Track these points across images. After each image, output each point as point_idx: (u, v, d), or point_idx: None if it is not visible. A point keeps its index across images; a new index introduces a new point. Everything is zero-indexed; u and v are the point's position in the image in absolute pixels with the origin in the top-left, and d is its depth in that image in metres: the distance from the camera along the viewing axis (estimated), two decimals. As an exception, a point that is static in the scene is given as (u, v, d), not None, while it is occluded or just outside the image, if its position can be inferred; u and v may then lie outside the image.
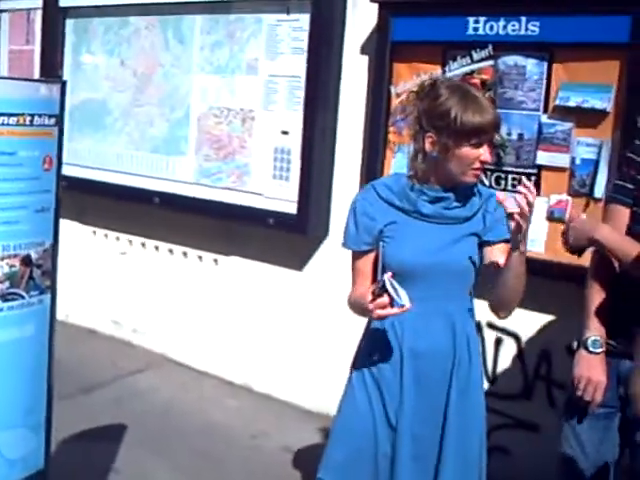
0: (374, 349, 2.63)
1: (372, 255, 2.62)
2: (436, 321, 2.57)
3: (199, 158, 5.06)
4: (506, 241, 2.49)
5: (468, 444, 2.60)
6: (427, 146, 2.50)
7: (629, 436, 2.72)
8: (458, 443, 2.56)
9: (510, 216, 2.30)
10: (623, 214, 2.67)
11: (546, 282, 3.69)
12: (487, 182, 3.91)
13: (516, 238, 2.35)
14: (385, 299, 2.36)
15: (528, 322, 3.91)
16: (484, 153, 2.47)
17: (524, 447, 3.97)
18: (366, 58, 4.41)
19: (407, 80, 4.13)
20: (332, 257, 4.54)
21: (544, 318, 3.85)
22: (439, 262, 2.53)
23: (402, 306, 2.35)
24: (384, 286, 2.36)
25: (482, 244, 2.59)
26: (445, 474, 2.55)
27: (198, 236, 5.26)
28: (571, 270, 3.51)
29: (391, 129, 4.22)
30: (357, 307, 2.61)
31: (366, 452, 2.60)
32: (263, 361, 5.01)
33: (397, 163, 4.20)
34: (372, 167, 4.30)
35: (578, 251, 2.79)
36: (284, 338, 4.90)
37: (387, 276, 2.37)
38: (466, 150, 2.46)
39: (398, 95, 4.18)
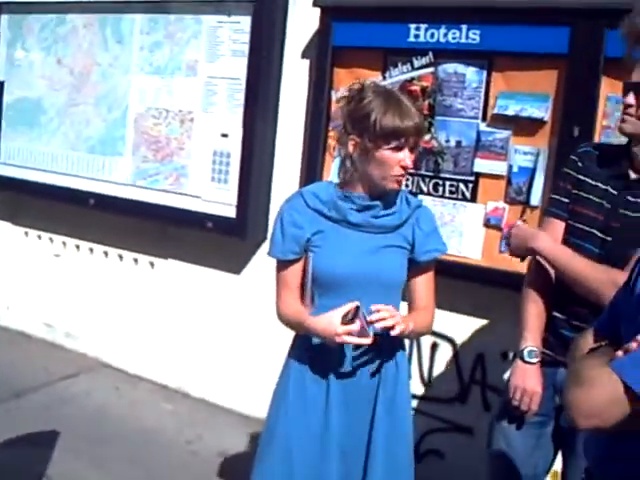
0: (300, 362, 2.62)
1: (298, 265, 2.60)
2: None
3: (136, 159, 5.00)
4: (431, 261, 2.60)
5: (397, 455, 2.59)
6: (350, 149, 2.50)
7: (563, 444, 2.76)
8: (387, 455, 2.55)
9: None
10: (559, 227, 2.71)
11: (482, 288, 3.75)
12: (425, 188, 3.95)
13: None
14: (356, 326, 2.36)
15: (463, 327, 3.96)
16: (405, 158, 2.46)
17: (459, 450, 4.01)
18: (307, 62, 4.41)
19: (348, 85, 4.13)
20: (270, 261, 4.51)
21: (479, 323, 3.90)
22: (368, 271, 2.52)
23: (370, 336, 2.36)
24: (356, 313, 2.37)
25: (411, 262, 2.60)
26: None
27: (134, 239, 5.19)
28: (506, 276, 3.57)
29: (331, 133, 4.23)
30: (293, 323, 2.61)
31: (280, 469, 2.57)
32: (198, 365, 4.97)
33: (337, 167, 4.21)
34: (312, 171, 4.31)
35: (520, 256, 2.82)
36: (220, 342, 4.87)
37: (357, 304, 2.38)
38: (386, 154, 2.45)
39: (338, 101, 4.17)
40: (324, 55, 4.19)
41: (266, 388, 4.46)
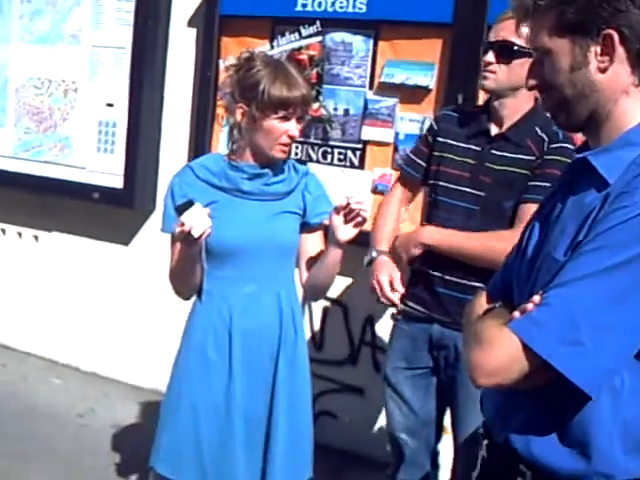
0: (201, 330, 2.62)
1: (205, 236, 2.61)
2: (263, 299, 2.59)
3: (18, 131, 4.86)
4: (325, 226, 2.59)
5: (299, 419, 2.64)
6: (238, 117, 2.53)
7: (446, 399, 2.90)
8: (290, 420, 2.60)
9: (348, 214, 2.40)
10: (410, 183, 2.94)
11: (364, 251, 3.85)
12: (314, 156, 4.02)
13: (339, 237, 2.45)
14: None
15: (353, 290, 4.05)
16: (291, 128, 2.50)
17: (350, 411, 4.12)
18: (194, 31, 4.39)
19: (236, 54, 4.13)
20: (159, 231, 4.50)
21: (368, 286, 3.99)
22: (263, 239, 2.56)
23: None
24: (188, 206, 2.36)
25: (303, 225, 2.65)
26: (277, 451, 2.57)
27: (17, 212, 5.06)
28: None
29: (220, 103, 4.24)
30: (177, 269, 2.62)
31: (187, 439, 2.58)
32: (88, 339, 4.91)
33: (225, 136, 4.23)
34: (201, 140, 4.31)
35: (414, 259, 2.90)
36: (109, 314, 4.82)
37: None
38: (273, 123, 2.49)
39: (227, 69, 4.19)
40: (211, 24, 4.18)
41: (156, 359, 4.50)
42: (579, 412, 1.51)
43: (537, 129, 2.70)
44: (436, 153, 2.85)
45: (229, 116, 2.63)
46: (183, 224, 2.33)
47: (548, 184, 2.56)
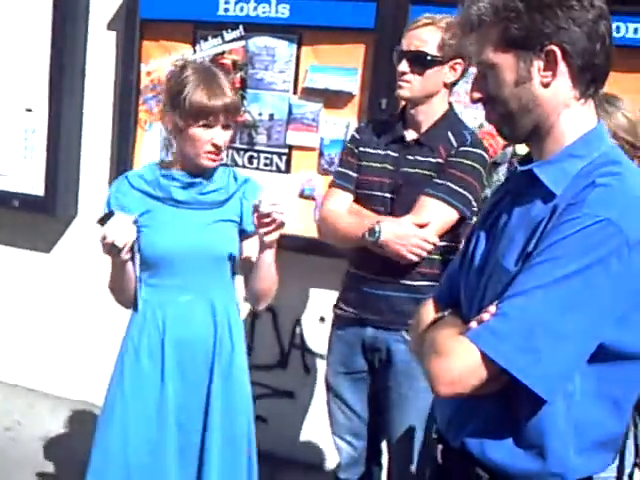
0: (135, 338, 2.61)
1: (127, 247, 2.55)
2: (197, 309, 2.60)
3: None
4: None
5: (235, 431, 2.64)
6: (169, 126, 2.54)
7: (380, 402, 2.95)
8: (224, 431, 2.60)
9: (261, 217, 2.39)
10: (343, 196, 2.93)
11: (297, 256, 3.86)
12: (240, 161, 4.01)
13: (266, 239, 2.45)
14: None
15: (282, 294, 4.02)
16: (215, 136, 2.50)
17: (282, 414, 4.13)
18: (114, 34, 4.32)
19: (158, 58, 4.11)
20: (82, 237, 4.45)
21: (297, 290, 4.01)
22: (197, 248, 2.56)
23: None
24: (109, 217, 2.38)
25: (241, 232, 2.65)
26: (212, 462, 2.57)
27: None
28: (321, 244, 3.70)
29: (142, 107, 4.19)
30: (115, 279, 2.60)
31: (115, 451, 2.57)
32: (10, 350, 4.79)
33: (149, 141, 4.19)
34: (123, 145, 4.25)
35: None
36: (32, 324, 4.72)
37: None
38: (195, 131, 2.48)
39: (149, 73, 4.15)
40: (132, 28, 4.12)
41: (83, 369, 4.43)
42: (534, 415, 1.56)
43: (449, 134, 2.80)
44: (360, 163, 2.90)
45: (163, 125, 2.63)
46: (105, 236, 2.33)
47: (448, 182, 2.72)
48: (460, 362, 1.53)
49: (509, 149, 3.43)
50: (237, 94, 2.61)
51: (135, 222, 2.43)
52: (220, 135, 2.51)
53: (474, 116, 3.39)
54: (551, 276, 1.47)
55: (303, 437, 4.11)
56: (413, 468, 2.84)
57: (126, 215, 2.41)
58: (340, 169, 2.98)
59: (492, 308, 1.54)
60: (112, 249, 2.37)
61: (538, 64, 1.55)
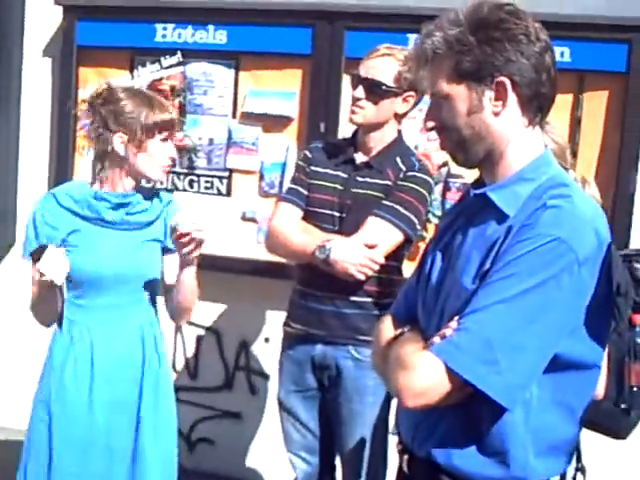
0: (60, 359, 2.60)
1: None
2: (125, 328, 2.62)
3: None
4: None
5: (165, 449, 2.68)
6: (117, 146, 2.56)
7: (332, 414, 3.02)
8: (156, 450, 2.63)
9: (180, 236, 2.44)
10: (291, 211, 2.98)
11: (240, 278, 3.91)
12: (180, 185, 4.04)
13: (187, 257, 2.51)
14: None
15: (226, 317, 4.10)
16: (172, 150, 2.62)
17: (229, 435, 4.16)
18: (49, 61, 4.31)
19: (95, 84, 4.09)
20: (19, 265, 4.41)
21: (241, 311, 4.05)
22: (124, 268, 2.58)
23: None
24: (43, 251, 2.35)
25: (164, 250, 2.68)
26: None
27: None
28: (265, 266, 3.77)
29: (80, 133, 4.19)
30: (38, 302, 2.59)
31: (46, 470, 2.57)
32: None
33: (87, 166, 4.18)
34: (62, 170, 4.24)
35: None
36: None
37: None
38: (156, 146, 2.57)
39: (86, 102, 4.15)
40: (69, 54, 4.13)
41: (13, 395, 4.37)
42: (495, 424, 1.65)
43: (397, 159, 2.90)
44: (310, 181, 2.97)
45: (97, 146, 2.62)
46: (43, 274, 2.33)
47: (397, 205, 2.82)
48: (425, 375, 1.60)
49: (444, 170, 3.55)
50: None
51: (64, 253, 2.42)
52: (174, 150, 2.64)
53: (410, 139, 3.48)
54: (509, 292, 1.56)
55: (251, 457, 4.14)
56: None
57: (57, 248, 2.39)
58: (291, 185, 3.04)
59: (453, 323, 1.63)
60: (49, 284, 2.38)
61: (489, 94, 1.64)
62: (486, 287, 1.60)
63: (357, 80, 2.86)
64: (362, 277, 2.80)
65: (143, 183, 2.69)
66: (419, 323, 1.81)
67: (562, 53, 3.38)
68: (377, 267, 2.81)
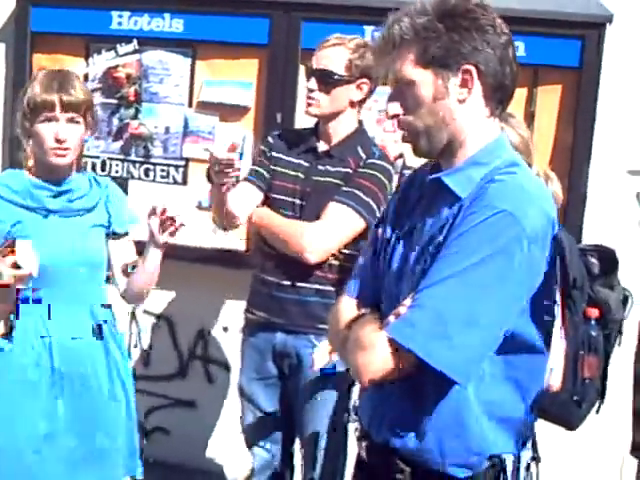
0: (19, 352, 2.55)
1: None
2: (79, 315, 2.60)
3: None
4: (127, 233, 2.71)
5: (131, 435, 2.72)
6: (19, 131, 2.56)
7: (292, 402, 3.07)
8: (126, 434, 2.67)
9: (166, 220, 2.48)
10: (250, 189, 3.01)
11: (196, 266, 3.91)
12: (136, 174, 4.02)
13: (158, 240, 2.53)
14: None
15: (182, 305, 4.09)
16: (59, 130, 2.47)
17: (183, 424, 4.16)
18: (3, 46, 4.25)
19: (50, 71, 4.08)
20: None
21: (198, 300, 4.05)
22: (73, 256, 2.56)
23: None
24: (12, 246, 2.32)
25: (109, 235, 2.67)
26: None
27: None
28: (221, 254, 3.78)
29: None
30: None
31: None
32: None
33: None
34: (15, 158, 4.11)
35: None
36: None
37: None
38: (40, 127, 2.48)
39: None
40: (23, 41, 4.06)
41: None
42: (449, 401, 1.69)
43: (358, 148, 2.94)
44: (273, 167, 3.01)
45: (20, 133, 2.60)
46: (20, 267, 2.29)
47: (356, 191, 2.86)
48: (380, 354, 1.64)
49: (399, 161, 3.57)
50: (87, 94, 2.58)
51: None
52: (64, 129, 2.48)
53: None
54: (459, 266, 1.59)
55: (207, 446, 4.15)
56: (317, 473, 2.96)
57: (24, 240, 2.35)
58: (252, 167, 3.07)
59: (407, 301, 1.66)
60: (26, 278, 2.34)
61: (455, 81, 1.68)
62: (438, 262, 1.64)
63: (310, 72, 2.90)
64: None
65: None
66: (378, 305, 1.84)
67: (517, 47, 3.40)
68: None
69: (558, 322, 1.79)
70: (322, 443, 2.93)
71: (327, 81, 2.84)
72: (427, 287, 1.62)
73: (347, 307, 1.91)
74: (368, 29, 3.44)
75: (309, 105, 2.90)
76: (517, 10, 3.38)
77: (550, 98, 3.53)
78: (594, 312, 1.96)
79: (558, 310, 1.76)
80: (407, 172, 3.60)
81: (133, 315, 3.99)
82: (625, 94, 3.53)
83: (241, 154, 2.65)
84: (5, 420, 2.52)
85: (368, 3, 3.45)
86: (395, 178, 3.62)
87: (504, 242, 1.58)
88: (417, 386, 1.69)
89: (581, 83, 3.44)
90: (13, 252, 2.31)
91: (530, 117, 3.52)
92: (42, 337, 2.55)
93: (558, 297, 1.81)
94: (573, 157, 3.47)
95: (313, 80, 2.86)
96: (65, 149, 2.50)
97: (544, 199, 1.69)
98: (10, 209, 2.52)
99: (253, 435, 3.12)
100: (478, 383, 1.67)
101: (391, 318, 1.68)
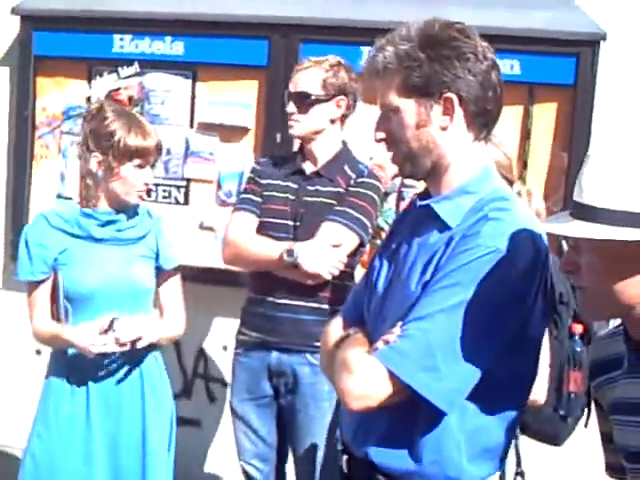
0: (60, 377, 2.66)
1: (49, 283, 2.65)
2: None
3: None
4: (175, 268, 2.79)
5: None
6: (93, 166, 2.62)
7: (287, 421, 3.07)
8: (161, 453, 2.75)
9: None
10: (247, 218, 3.04)
11: (198, 287, 3.92)
12: (139, 194, 4.05)
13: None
14: (110, 338, 2.48)
15: (185, 324, 4.10)
16: (147, 176, 2.65)
17: (188, 443, 4.17)
18: (7, 70, 4.31)
19: (53, 94, 4.14)
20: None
21: (198, 319, 4.05)
22: (117, 283, 2.63)
23: (126, 345, 2.50)
24: (112, 324, 2.48)
25: (157, 269, 2.76)
26: None
27: None
28: (222, 274, 3.80)
29: (38, 142, 4.20)
30: (50, 339, 2.65)
31: None
32: None
33: (45, 176, 4.20)
34: (20, 180, 4.23)
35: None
36: None
37: (113, 316, 2.49)
38: (130, 171, 2.61)
39: (44, 109, 4.17)
40: (26, 64, 4.13)
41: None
42: (431, 426, 1.71)
43: (346, 167, 2.99)
44: (262, 192, 3.04)
45: (81, 165, 2.70)
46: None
47: (349, 210, 2.90)
48: (368, 380, 1.67)
49: (397, 180, 3.61)
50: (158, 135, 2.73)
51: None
52: (150, 175, 2.66)
53: (364, 149, 3.53)
54: (450, 301, 1.63)
55: (210, 465, 4.17)
56: None
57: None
58: (243, 195, 3.11)
59: (397, 329, 1.69)
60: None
61: (437, 109, 1.71)
62: (428, 296, 1.67)
63: (288, 96, 2.98)
64: (329, 277, 2.87)
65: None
66: (366, 326, 1.87)
67: (512, 66, 3.47)
68: (342, 267, 2.88)
69: (544, 337, 1.82)
70: (319, 458, 2.95)
71: (304, 102, 2.92)
72: (417, 319, 1.66)
73: (335, 327, 1.95)
74: (365, 50, 3.46)
75: (290, 127, 2.98)
76: (512, 29, 3.43)
77: (546, 115, 3.57)
78: (578, 328, 2.00)
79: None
80: (405, 190, 3.65)
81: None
82: (620, 110, 3.55)
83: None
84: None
85: (365, 24, 3.50)
86: (394, 196, 3.68)
87: (494, 281, 1.62)
88: (404, 410, 1.71)
89: (576, 100, 3.47)
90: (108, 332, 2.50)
91: (526, 134, 3.56)
92: (81, 366, 2.62)
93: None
94: (569, 174, 3.48)
95: (291, 103, 2.95)
96: (146, 191, 2.68)
97: (536, 234, 1.71)
98: (59, 237, 2.63)
99: (245, 455, 3.14)
100: (462, 412, 1.70)
101: (380, 344, 1.70)
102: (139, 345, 2.54)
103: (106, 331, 2.50)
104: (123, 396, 2.67)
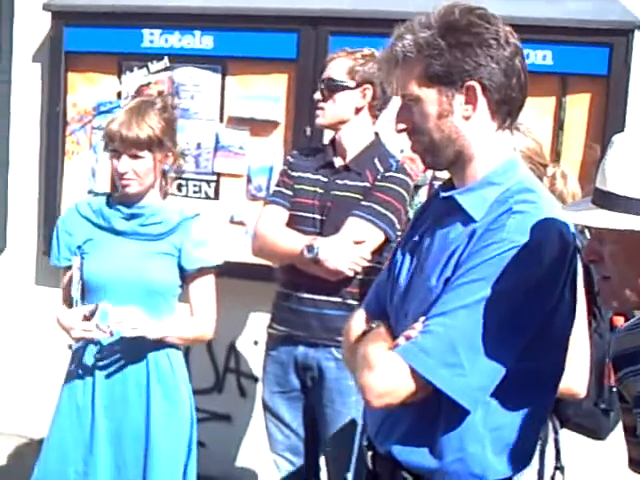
0: (73, 370, 2.71)
1: None
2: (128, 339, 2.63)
3: None
4: (200, 270, 2.72)
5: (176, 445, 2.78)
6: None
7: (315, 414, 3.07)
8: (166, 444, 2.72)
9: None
10: (278, 212, 3.04)
11: (229, 281, 3.92)
12: (169, 189, 4.06)
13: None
14: (91, 324, 2.48)
15: (216, 319, 4.11)
16: (120, 165, 2.59)
17: (219, 438, 4.18)
18: (39, 66, 4.34)
19: (84, 89, 4.16)
20: (11, 270, 4.45)
21: (230, 314, 4.05)
22: (131, 277, 2.63)
23: (106, 333, 2.50)
24: (94, 311, 2.47)
25: (181, 269, 2.72)
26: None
27: None
28: (253, 269, 3.79)
29: (69, 138, 4.22)
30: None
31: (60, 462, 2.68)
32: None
33: (76, 172, 4.22)
34: (52, 175, 4.26)
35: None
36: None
37: (100, 304, 2.48)
38: (110, 158, 2.64)
39: (75, 104, 4.19)
40: (57, 60, 4.15)
41: (16, 403, 4.40)
42: (455, 423, 1.68)
43: (375, 160, 2.96)
44: (293, 185, 3.03)
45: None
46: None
47: (375, 205, 2.88)
48: (390, 376, 1.64)
49: (429, 173, 3.57)
50: (154, 129, 2.62)
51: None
52: (124, 164, 2.58)
53: (396, 142, 3.50)
54: (473, 297, 1.60)
55: (241, 459, 4.17)
56: (350, 476, 2.95)
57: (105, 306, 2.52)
58: (275, 188, 3.11)
59: (418, 325, 1.66)
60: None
61: (459, 98, 1.67)
62: (451, 291, 1.64)
63: (317, 86, 2.98)
64: (351, 273, 2.85)
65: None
66: (388, 319, 1.85)
67: (544, 56, 3.42)
68: (365, 263, 2.85)
69: (584, 330, 1.78)
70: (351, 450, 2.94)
71: (330, 89, 2.92)
72: (440, 314, 1.63)
73: (358, 321, 1.93)
74: (394, 41, 3.46)
75: (317, 116, 2.98)
76: (544, 19, 3.38)
77: (579, 106, 3.52)
78: (620, 320, 1.95)
79: (584, 319, 1.75)
80: (436, 182, 3.61)
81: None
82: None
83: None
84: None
85: (395, 16, 3.42)
86: (425, 189, 3.64)
87: (518, 276, 1.59)
88: (427, 407, 1.69)
89: (609, 91, 3.42)
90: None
91: (559, 125, 3.51)
92: (91, 357, 2.66)
93: (584, 306, 1.80)
94: (603, 164, 3.43)
95: (318, 92, 2.96)
96: (128, 179, 2.61)
97: (563, 227, 1.66)
98: (85, 226, 2.68)
99: (277, 448, 3.14)
100: (486, 408, 1.67)
101: (401, 340, 1.69)
102: (126, 334, 2.52)
103: (88, 318, 2.51)
104: (129, 390, 2.67)
